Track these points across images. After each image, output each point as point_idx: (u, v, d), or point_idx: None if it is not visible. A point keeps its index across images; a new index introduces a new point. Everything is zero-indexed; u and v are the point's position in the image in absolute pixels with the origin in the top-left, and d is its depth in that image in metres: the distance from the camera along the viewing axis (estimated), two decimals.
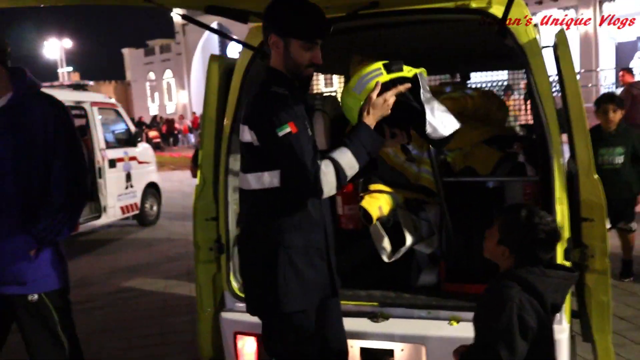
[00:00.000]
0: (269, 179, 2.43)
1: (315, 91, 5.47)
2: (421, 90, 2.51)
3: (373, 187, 3.39)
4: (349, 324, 2.87)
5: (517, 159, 3.69)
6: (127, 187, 9.70)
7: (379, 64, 2.58)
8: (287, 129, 2.26)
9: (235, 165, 3.56)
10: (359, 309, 3.09)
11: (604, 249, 2.88)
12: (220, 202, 3.41)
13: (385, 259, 3.26)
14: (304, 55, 2.40)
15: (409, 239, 3.27)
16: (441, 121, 2.51)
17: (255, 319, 3.28)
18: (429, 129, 2.48)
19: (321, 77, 5.94)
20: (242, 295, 3.34)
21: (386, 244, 3.24)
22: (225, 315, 3.37)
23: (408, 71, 2.55)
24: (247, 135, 2.42)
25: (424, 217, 3.44)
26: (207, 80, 3.45)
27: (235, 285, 3.37)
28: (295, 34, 2.38)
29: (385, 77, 2.52)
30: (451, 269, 3.31)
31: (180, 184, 15.90)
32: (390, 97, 2.45)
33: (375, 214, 3.27)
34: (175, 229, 10.04)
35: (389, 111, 2.46)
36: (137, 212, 10.04)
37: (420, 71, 2.58)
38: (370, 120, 2.43)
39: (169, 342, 4.97)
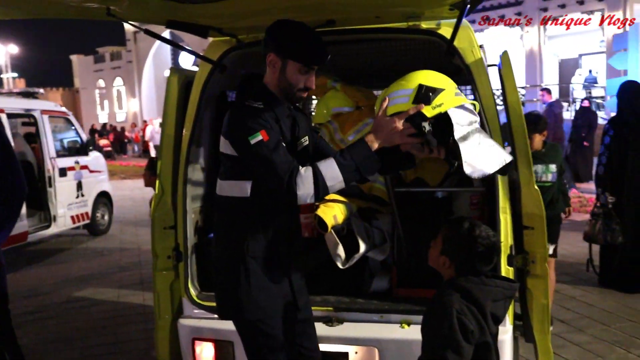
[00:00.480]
0: (239, 187, 2.53)
1: None
2: (454, 127, 2.30)
3: (328, 196, 3.52)
4: None
5: (463, 172, 3.87)
6: (77, 196, 9.59)
7: (415, 83, 2.38)
8: (259, 137, 2.34)
9: (194, 175, 3.65)
10: (315, 314, 3.21)
11: (544, 255, 3.08)
12: (178, 211, 3.48)
13: (339, 265, 3.37)
14: (299, 78, 2.47)
15: (362, 247, 3.40)
16: (481, 159, 2.30)
17: (213, 325, 3.38)
18: (467, 169, 2.28)
19: None
20: (200, 301, 3.43)
21: (340, 251, 3.36)
22: (183, 321, 3.43)
23: (434, 107, 2.32)
24: (224, 146, 2.51)
25: (376, 225, 3.57)
26: (167, 93, 3.53)
27: (193, 292, 3.44)
28: (295, 56, 2.44)
29: (408, 105, 2.36)
30: (402, 275, 3.46)
31: (131, 193, 15.74)
32: (399, 122, 2.35)
33: (330, 222, 3.39)
34: (127, 238, 9.96)
35: (400, 139, 2.37)
36: (88, 221, 9.92)
37: (456, 105, 2.36)
38: (371, 138, 2.40)
39: (123, 350, 4.97)
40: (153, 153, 25.41)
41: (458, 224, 2.38)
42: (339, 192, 3.57)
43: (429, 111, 2.31)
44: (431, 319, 2.29)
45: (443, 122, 2.33)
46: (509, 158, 2.36)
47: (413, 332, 3.09)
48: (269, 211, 2.55)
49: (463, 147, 2.28)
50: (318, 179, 2.33)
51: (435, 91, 2.33)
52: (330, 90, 4.09)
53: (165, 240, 3.52)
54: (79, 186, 9.63)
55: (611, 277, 6.06)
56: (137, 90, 45.36)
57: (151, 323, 5.46)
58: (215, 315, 3.42)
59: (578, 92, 21.52)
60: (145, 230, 10.32)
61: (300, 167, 2.35)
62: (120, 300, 6.44)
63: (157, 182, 3.56)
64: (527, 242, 3.10)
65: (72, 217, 9.41)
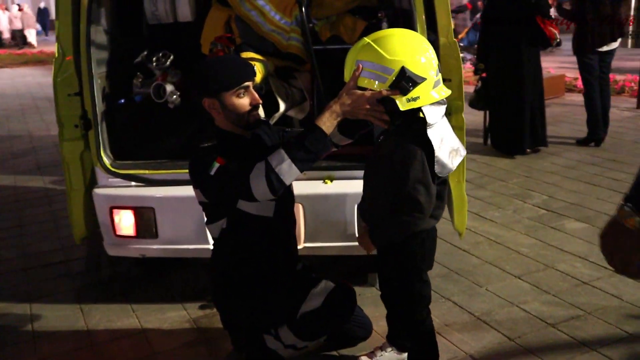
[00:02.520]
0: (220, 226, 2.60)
1: None
2: (427, 129, 2.20)
3: (245, 55, 3.38)
4: None
5: (381, 28, 3.83)
6: None
7: (398, 64, 2.13)
8: (216, 165, 2.31)
9: (97, 38, 3.39)
10: None
11: (460, 106, 3.17)
12: (83, 75, 3.23)
13: None
14: (242, 102, 2.41)
15: (282, 106, 3.35)
16: (446, 156, 2.25)
17: (131, 192, 3.29)
18: (437, 168, 2.22)
19: None
20: (114, 170, 3.28)
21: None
22: (98, 191, 3.30)
23: (409, 100, 2.14)
24: (198, 194, 2.54)
25: (295, 84, 3.51)
26: None
27: (106, 160, 3.28)
28: (224, 86, 2.37)
29: (384, 87, 2.16)
30: None
31: (12, 82, 14.62)
32: (371, 98, 2.17)
33: None
34: (14, 127, 9.28)
35: (365, 116, 2.22)
36: None
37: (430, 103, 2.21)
38: (335, 108, 2.23)
39: (29, 232, 4.75)
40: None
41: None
42: (256, 51, 3.45)
43: (402, 103, 2.14)
44: (394, 164, 2.29)
45: (414, 114, 2.23)
46: (463, 152, 2.40)
47: (334, 187, 3.18)
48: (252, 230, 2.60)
49: (435, 145, 2.22)
50: (270, 178, 2.23)
51: (416, 82, 2.13)
52: None
53: (71, 108, 3.29)
54: None
55: (497, 141, 6.40)
56: None
57: (56, 204, 5.27)
58: (133, 183, 3.32)
59: None
60: (35, 118, 9.69)
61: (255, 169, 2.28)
62: (19, 185, 6.07)
63: (56, 44, 3.27)
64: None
65: None
